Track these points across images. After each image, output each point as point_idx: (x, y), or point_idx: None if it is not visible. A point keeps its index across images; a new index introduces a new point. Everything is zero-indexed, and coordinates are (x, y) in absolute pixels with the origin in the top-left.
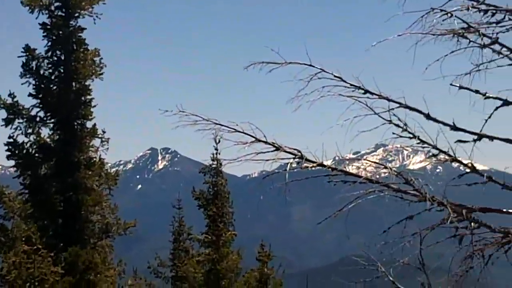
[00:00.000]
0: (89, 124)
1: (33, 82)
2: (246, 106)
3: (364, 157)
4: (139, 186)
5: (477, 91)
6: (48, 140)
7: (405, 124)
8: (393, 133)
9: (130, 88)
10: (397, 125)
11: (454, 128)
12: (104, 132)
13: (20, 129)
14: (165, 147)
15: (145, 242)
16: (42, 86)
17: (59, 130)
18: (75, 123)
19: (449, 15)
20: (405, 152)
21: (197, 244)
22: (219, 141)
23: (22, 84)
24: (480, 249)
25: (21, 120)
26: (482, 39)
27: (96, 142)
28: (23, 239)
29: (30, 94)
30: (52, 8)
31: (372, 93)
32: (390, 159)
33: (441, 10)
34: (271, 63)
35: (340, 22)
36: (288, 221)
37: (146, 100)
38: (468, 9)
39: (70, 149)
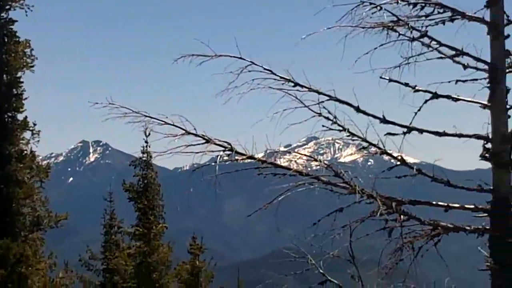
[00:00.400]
0: (20, 117)
1: None
2: (177, 99)
3: (296, 150)
4: (71, 179)
5: (406, 84)
6: None
7: (335, 117)
8: (323, 126)
9: (61, 80)
10: (327, 118)
11: (384, 121)
12: (35, 124)
13: None
14: (97, 139)
15: (76, 235)
16: None
17: None
18: (6, 116)
19: (378, 8)
20: (337, 145)
21: (128, 237)
22: (149, 134)
23: None
24: (409, 241)
25: None
26: (411, 32)
27: (27, 134)
28: None
29: None
30: None
31: (302, 86)
32: (321, 152)
33: (371, 3)
34: (201, 56)
35: (269, 14)
36: (220, 213)
37: (77, 92)
38: (397, 2)
39: (1, 141)
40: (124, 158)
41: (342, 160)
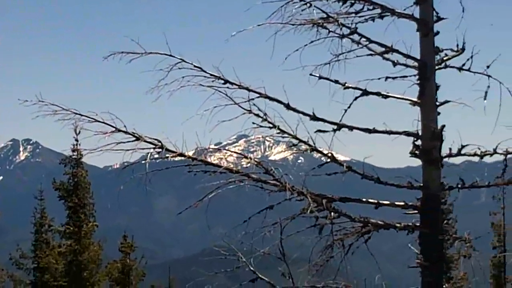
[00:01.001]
0: None
1: None
2: (107, 96)
3: (226, 147)
4: (0, 178)
5: (336, 81)
6: None
7: (265, 114)
8: (253, 123)
9: None
10: (257, 115)
11: (314, 118)
12: None
13: None
14: (27, 138)
15: (7, 234)
16: None
17: None
18: None
19: (308, 5)
20: (267, 143)
21: (59, 235)
22: (80, 132)
23: None
24: (340, 238)
25: None
26: (341, 29)
27: None
28: None
29: None
30: None
31: (232, 83)
32: (251, 150)
33: (300, 0)
34: (131, 53)
35: (200, 11)
36: (151, 211)
37: (6, 90)
38: None
39: None
40: (54, 157)
41: (272, 158)
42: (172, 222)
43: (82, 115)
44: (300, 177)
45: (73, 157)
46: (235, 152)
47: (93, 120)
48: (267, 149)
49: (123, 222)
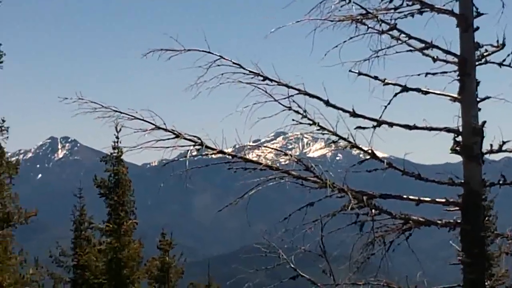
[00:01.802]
0: None
1: None
2: (146, 94)
3: (264, 145)
4: (39, 175)
5: (376, 77)
6: None
7: (305, 111)
8: (293, 120)
9: (28, 75)
10: (297, 112)
11: (354, 114)
12: (3, 120)
13: None
14: (65, 136)
15: (46, 232)
16: None
17: None
18: None
19: (347, 1)
20: (305, 140)
21: (99, 233)
22: (120, 129)
23: None
24: (381, 235)
25: None
26: (380, 25)
27: None
28: None
29: None
30: None
31: (271, 80)
32: (290, 147)
33: None
34: (170, 50)
35: (239, 8)
36: (190, 209)
37: (45, 88)
38: None
39: None
40: (92, 154)
41: (310, 155)
42: (211, 220)
43: (122, 113)
44: (338, 174)
45: (114, 154)
46: (275, 149)
47: (133, 117)
48: (305, 146)
49: (162, 219)
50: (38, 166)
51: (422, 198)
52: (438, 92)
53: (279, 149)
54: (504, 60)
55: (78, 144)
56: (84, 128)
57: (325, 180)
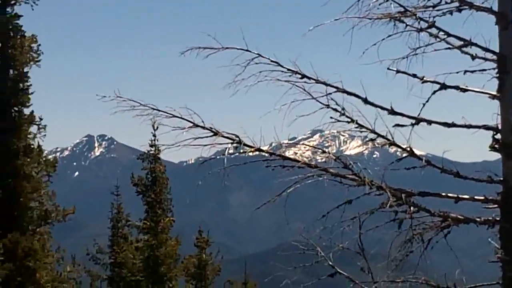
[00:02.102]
0: (26, 111)
1: None
2: (184, 91)
3: (301, 142)
4: (76, 173)
5: (414, 75)
6: None
7: (343, 109)
8: (331, 118)
9: (66, 74)
10: (335, 110)
11: (392, 112)
12: (41, 119)
13: None
14: (102, 134)
15: (83, 229)
16: None
17: None
18: (13, 110)
19: None
20: (342, 138)
21: (136, 230)
22: (157, 127)
23: None
24: (419, 233)
25: None
26: (419, 23)
27: (34, 129)
28: None
29: None
30: None
31: (309, 78)
32: (326, 145)
33: None
34: (207, 48)
35: (276, 6)
36: (227, 206)
37: (82, 86)
38: None
39: (8, 136)
40: (129, 152)
41: (348, 152)
42: (247, 217)
43: (160, 111)
44: (376, 172)
45: (151, 152)
46: (313, 147)
47: (171, 115)
48: (341, 144)
49: (198, 217)
50: (75, 164)
51: (460, 196)
52: (477, 89)
53: (317, 146)
54: None
55: (115, 142)
56: (121, 126)
57: (363, 178)
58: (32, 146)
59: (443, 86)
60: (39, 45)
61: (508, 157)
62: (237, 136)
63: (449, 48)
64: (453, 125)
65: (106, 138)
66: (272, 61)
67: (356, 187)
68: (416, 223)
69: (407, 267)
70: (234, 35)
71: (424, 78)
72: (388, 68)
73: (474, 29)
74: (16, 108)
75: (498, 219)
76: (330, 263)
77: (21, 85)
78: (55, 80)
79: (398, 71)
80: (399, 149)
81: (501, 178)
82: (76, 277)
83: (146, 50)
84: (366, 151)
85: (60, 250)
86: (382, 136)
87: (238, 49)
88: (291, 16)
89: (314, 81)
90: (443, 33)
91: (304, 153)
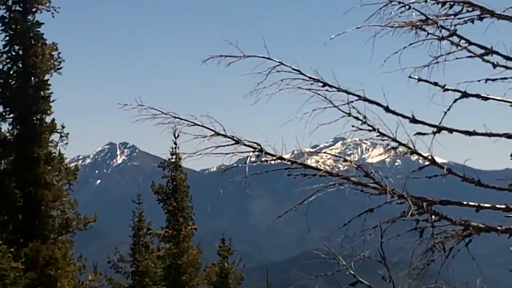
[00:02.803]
0: (48, 119)
1: None
2: (205, 99)
3: (323, 151)
4: (98, 181)
5: (436, 84)
6: (7, 135)
7: (365, 117)
8: (353, 126)
9: (87, 82)
10: (357, 118)
11: (414, 120)
12: (63, 127)
13: None
14: (124, 141)
15: (105, 237)
16: (1, 81)
17: (18, 125)
18: (34, 118)
19: (407, 7)
20: (364, 146)
21: (157, 238)
22: (178, 135)
23: None
24: (441, 241)
25: None
26: (440, 31)
27: (55, 137)
28: None
29: None
30: (10, 3)
31: (331, 86)
32: (348, 152)
33: (399, 3)
34: (229, 57)
35: (298, 15)
36: (248, 215)
37: (104, 94)
38: (426, 1)
39: (30, 144)
40: (151, 160)
41: (369, 160)
42: (269, 225)
43: (181, 119)
44: (398, 180)
45: (172, 160)
46: (334, 155)
47: (192, 123)
48: (364, 152)
49: (220, 225)
50: (97, 172)
51: (482, 204)
52: (498, 98)
53: (338, 155)
54: None
55: (137, 150)
56: (143, 133)
57: (384, 186)
58: (53, 154)
59: (465, 95)
60: (60, 52)
61: None
62: (259, 145)
63: (470, 56)
64: (474, 133)
65: (128, 146)
66: (293, 69)
67: (378, 195)
68: (438, 232)
69: (429, 276)
70: (255, 44)
71: (446, 87)
72: (409, 76)
73: (495, 37)
74: (37, 116)
75: None
76: (352, 272)
77: (42, 93)
78: (77, 88)
79: (419, 79)
80: (421, 158)
81: None
82: (97, 286)
83: (169, 58)
84: (388, 159)
85: (81, 259)
86: (404, 145)
87: (260, 57)
88: (313, 25)
89: (335, 89)
90: (464, 42)
91: (325, 161)
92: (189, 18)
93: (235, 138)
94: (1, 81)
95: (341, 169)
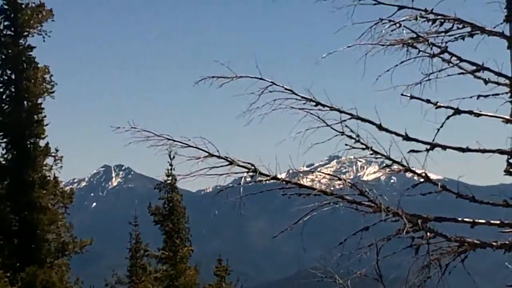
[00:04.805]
0: (41, 143)
1: None
2: (198, 121)
3: (318, 169)
4: (94, 204)
5: (428, 101)
6: (1, 159)
7: (358, 135)
8: (346, 145)
9: (82, 104)
10: (350, 137)
11: (407, 138)
12: (57, 150)
13: None
14: (119, 164)
15: (101, 260)
16: None
17: (12, 149)
18: (28, 142)
19: (398, 25)
20: (359, 164)
21: (154, 260)
22: (174, 157)
23: None
24: (436, 258)
25: None
26: (431, 49)
27: (50, 160)
28: None
29: None
30: (1, 27)
31: (323, 105)
32: (344, 170)
33: (390, 21)
34: (221, 78)
35: (289, 34)
36: (244, 235)
37: (98, 116)
38: (416, 18)
39: (24, 168)
40: (147, 182)
41: (365, 178)
42: (265, 245)
43: (175, 141)
44: (393, 197)
45: (168, 181)
46: (328, 174)
47: (186, 145)
48: (359, 170)
49: (217, 245)
50: (92, 194)
51: (476, 220)
52: (491, 114)
53: (332, 174)
54: None
55: (132, 172)
56: (138, 155)
57: (379, 205)
58: (48, 178)
59: (457, 111)
60: (52, 75)
61: None
62: (253, 165)
63: (462, 73)
64: (467, 149)
65: (123, 168)
66: (286, 89)
67: (373, 213)
68: (433, 249)
69: None
70: (247, 65)
71: (438, 104)
72: (402, 94)
73: (486, 54)
74: (31, 140)
75: None
76: None
77: (35, 116)
78: (70, 111)
79: (412, 97)
80: (415, 175)
81: None
82: None
83: (161, 80)
84: (383, 177)
85: (78, 282)
86: (397, 162)
87: (252, 77)
88: (304, 44)
89: (328, 108)
90: (455, 58)
91: (320, 180)
92: (180, 40)
93: (229, 159)
94: None
95: (337, 187)
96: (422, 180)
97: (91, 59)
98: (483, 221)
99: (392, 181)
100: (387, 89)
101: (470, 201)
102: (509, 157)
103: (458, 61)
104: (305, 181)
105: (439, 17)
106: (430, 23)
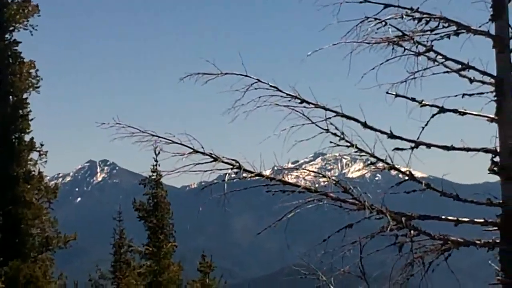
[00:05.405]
0: (26, 138)
1: None
2: (183, 117)
3: (303, 166)
4: (79, 199)
5: (413, 99)
6: None
7: (342, 133)
8: (331, 142)
9: (67, 99)
10: (335, 134)
11: (391, 136)
12: (42, 145)
13: None
14: (104, 159)
15: (85, 255)
16: None
17: None
18: (13, 137)
19: (383, 23)
20: (344, 161)
21: (138, 256)
22: (159, 153)
23: None
24: (420, 256)
25: None
26: (417, 47)
27: (34, 155)
28: None
29: None
30: None
31: (308, 103)
32: (329, 168)
33: (376, 19)
34: (206, 74)
35: (275, 32)
36: (229, 231)
37: (83, 111)
38: (402, 17)
39: (8, 163)
40: (131, 177)
41: (350, 175)
42: (250, 242)
43: (159, 137)
44: (378, 194)
45: (153, 177)
46: (312, 171)
47: (171, 141)
48: (344, 167)
49: (201, 242)
50: (77, 189)
51: (460, 219)
52: (475, 113)
53: (317, 171)
54: None
55: (117, 167)
56: (123, 151)
57: (363, 202)
58: (32, 173)
59: (442, 110)
60: (37, 70)
61: (507, 179)
62: (237, 162)
63: (447, 71)
64: (452, 148)
65: (108, 163)
66: (271, 86)
67: (357, 211)
68: (417, 247)
69: None
70: (233, 61)
71: (423, 102)
72: (387, 92)
73: (471, 52)
74: (16, 135)
75: (498, 241)
76: (332, 287)
77: (20, 111)
78: (56, 106)
79: (397, 95)
80: (400, 173)
81: (500, 201)
82: None
83: (147, 76)
84: (368, 174)
85: (62, 277)
86: (382, 160)
87: (237, 74)
88: (290, 41)
89: (313, 106)
90: (441, 57)
91: (305, 177)
92: (166, 36)
93: (213, 156)
94: None
95: (321, 184)
96: (406, 178)
97: (78, 56)
98: (466, 219)
99: (376, 178)
100: (373, 87)
101: (454, 199)
102: (493, 155)
103: (443, 60)
104: (290, 178)
105: (424, 15)
106: (416, 21)
